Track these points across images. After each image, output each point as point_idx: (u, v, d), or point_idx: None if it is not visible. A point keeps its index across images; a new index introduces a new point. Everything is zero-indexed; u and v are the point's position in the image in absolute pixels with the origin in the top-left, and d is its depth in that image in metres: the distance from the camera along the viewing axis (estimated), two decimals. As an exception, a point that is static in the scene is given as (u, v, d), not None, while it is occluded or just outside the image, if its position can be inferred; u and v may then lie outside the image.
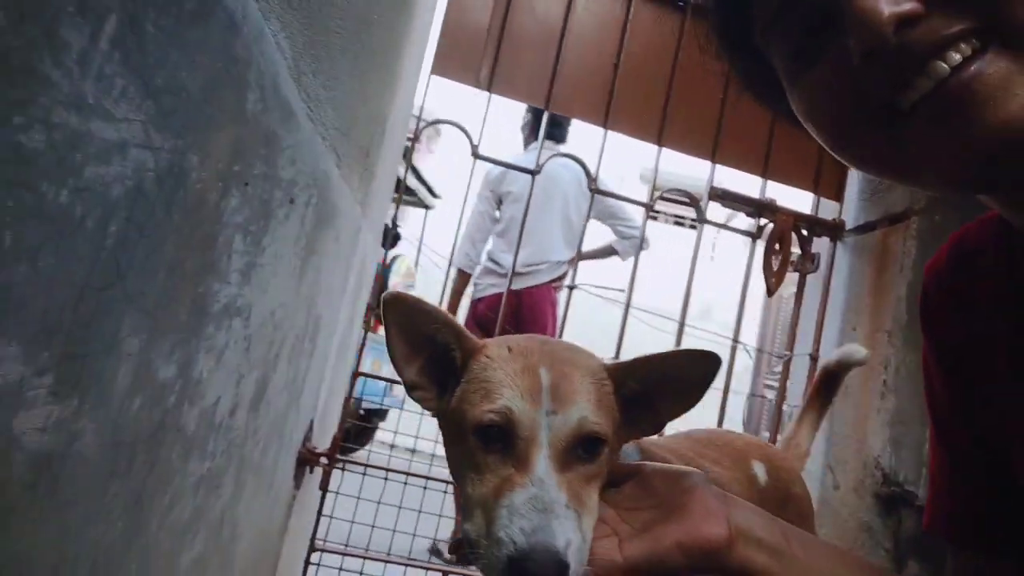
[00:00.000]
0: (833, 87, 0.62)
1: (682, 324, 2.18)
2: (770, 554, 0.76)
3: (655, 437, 1.00)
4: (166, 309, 0.82)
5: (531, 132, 3.98)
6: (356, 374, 2.08)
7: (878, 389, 1.96)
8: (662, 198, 2.50)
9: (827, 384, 1.62)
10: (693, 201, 2.26)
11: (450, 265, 2.18)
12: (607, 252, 4.11)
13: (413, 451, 3.12)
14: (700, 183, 2.41)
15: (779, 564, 0.76)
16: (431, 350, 0.83)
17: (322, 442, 2.09)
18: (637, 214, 3.88)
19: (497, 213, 4.03)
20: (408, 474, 2.09)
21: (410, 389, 0.86)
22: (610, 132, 2.25)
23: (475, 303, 3.89)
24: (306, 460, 1.94)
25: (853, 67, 0.58)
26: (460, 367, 0.82)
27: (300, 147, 1.23)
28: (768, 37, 0.70)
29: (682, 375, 0.84)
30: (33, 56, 0.52)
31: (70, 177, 0.58)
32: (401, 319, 0.81)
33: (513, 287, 3.69)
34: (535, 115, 3.87)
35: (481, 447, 0.76)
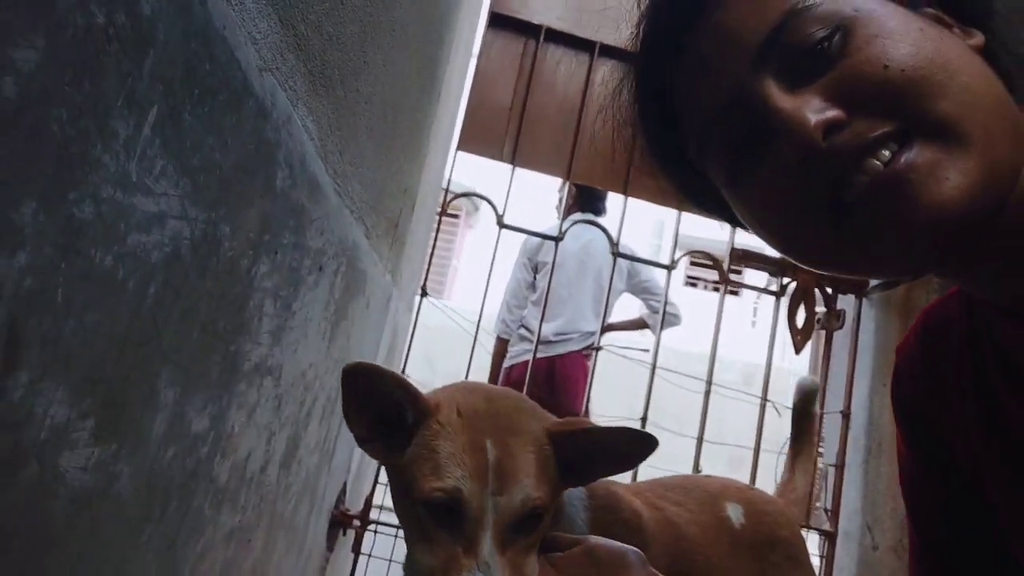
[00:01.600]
0: (776, 192, 0.65)
1: (709, 383, 2.20)
2: None
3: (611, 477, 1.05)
4: (199, 365, 0.91)
5: (572, 205, 4.07)
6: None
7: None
8: (692, 263, 2.54)
9: (798, 424, 1.67)
10: (715, 262, 2.31)
11: (477, 331, 2.24)
12: (639, 324, 4.19)
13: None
14: (724, 246, 2.46)
15: None
16: (383, 407, 0.87)
17: (355, 505, 2.14)
18: (671, 291, 3.93)
19: (534, 281, 4.11)
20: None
21: (360, 442, 0.90)
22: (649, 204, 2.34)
23: (508, 370, 3.94)
24: (339, 522, 1.99)
25: (792, 172, 0.62)
26: (412, 426, 0.86)
27: (328, 218, 1.33)
28: (703, 152, 0.73)
29: (619, 450, 0.90)
30: (87, 144, 0.62)
31: (115, 244, 0.67)
32: (357, 386, 0.86)
33: (546, 354, 3.76)
34: (578, 187, 3.96)
35: (430, 519, 0.80)
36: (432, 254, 2.42)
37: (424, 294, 2.20)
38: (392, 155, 1.78)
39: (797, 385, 1.64)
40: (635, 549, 0.86)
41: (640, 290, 3.89)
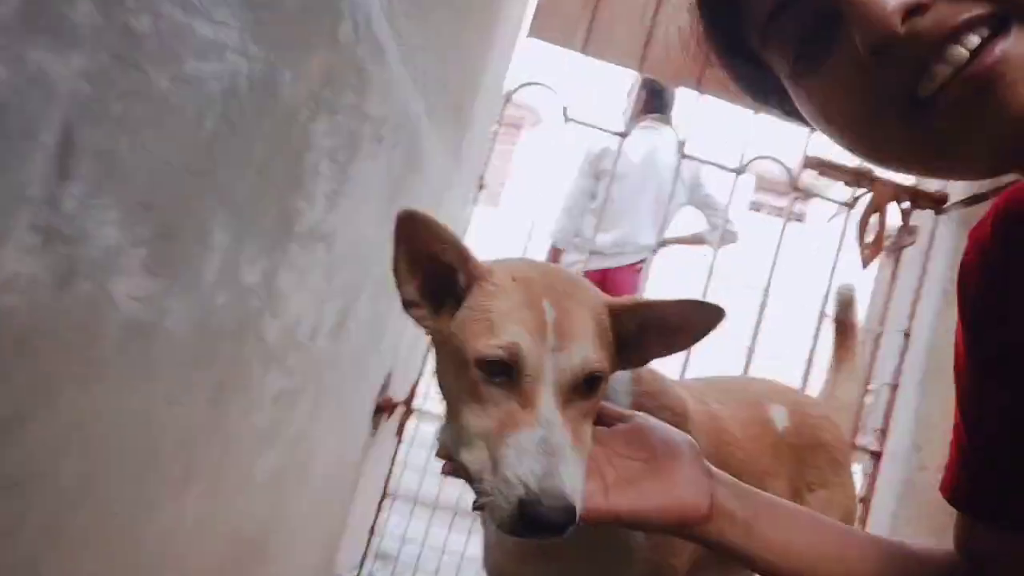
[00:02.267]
0: (844, 87, 0.59)
1: (766, 294, 2.13)
2: (743, 531, 0.77)
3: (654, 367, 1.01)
4: (254, 212, 0.88)
5: (640, 112, 3.90)
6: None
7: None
8: (758, 188, 2.42)
9: (839, 334, 1.63)
10: (785, 168, 2.19)
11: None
12: (697, 240, 4.04)
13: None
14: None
15: (746, 539, 0.77)
16: (434, 268, 0.81)
17: (400, 395, 2.17)
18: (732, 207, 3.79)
19: (596, 189, 4.00)
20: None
21: (407, 306, 0.84)
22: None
23: (559, 279, 3.90)
24: (383, 408, 2.02)
25: (863, 64, 0.55)
26: (463, 289, 0.80)
27: (391, 86, 1.28)
28: (765, 41, 0.66)
29: (682, 324, 0.84)
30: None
31: (172, 64, 0.64)
32: (410, 236, 0.79)
33: (601, 266, 3.70)
34: (648, 90, 3.79)
35: (484, 378, 0.74)
36: (491, 152, 2.35)
37: (482, 187, 2.15)
38: (461, 29, 1.70)
39: (837, 293, 1.59)
40: (688, 438, 0.83)
41: (702, 204, 3.76)
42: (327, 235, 1.17)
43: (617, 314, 0.83)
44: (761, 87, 0.73)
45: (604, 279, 3.67)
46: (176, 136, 0.67)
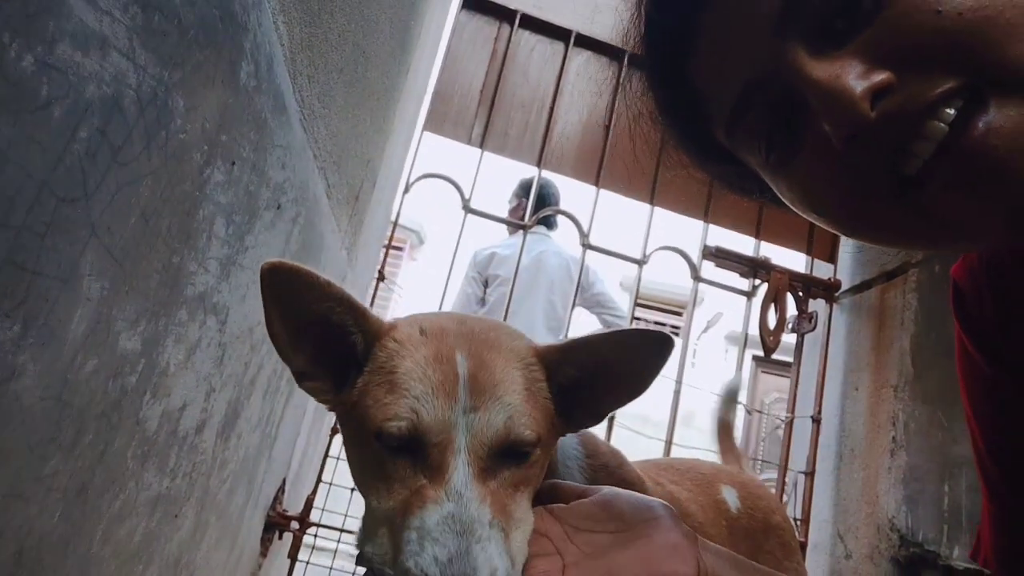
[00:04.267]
0: (824, 176, 0.57)
1: (679, 382, 2.09)
2: None
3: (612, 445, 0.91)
4: (135, 263, 0.74)
5: (521, 217, 3.97)
6: (336, 429, 1.94)
7: (887, 447, 1.87)
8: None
9: (722, 429, 1.63)
10: (686, 258, 2.22)
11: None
12: None
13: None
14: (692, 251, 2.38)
15: None
16: (324, 333, 0.68)
17: (294, 508, 1.93)
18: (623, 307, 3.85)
19: (484, 295, 3.98)
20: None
21: (299, 379, 0.71)
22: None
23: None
24: (276, 524, 1.78)
25: (840, 151, 0.53)
26: (362, 353, 0.69)
27: (291, 153, 1.18)
28: (733, 139, 0.65)
29: (628, 359, 0.72)
30: None
31: (39, 44, 0.51)
32: (285, 294, 0.65)
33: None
34: (528, 197, 3.86)
35: (386, 453, 0.63)
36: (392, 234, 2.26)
37: (381, 278, 2.04)
38: (359, 113, 1.64)
39: (722, 390, 1.56)
40: (662, 501, 0.72)
41: (593, 303, 3.79)
42: (219, 308, 1.02)
43: (550, 362, 0.70)
44: (741, 183, 0.71)
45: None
46: (38, 139, 0.53)
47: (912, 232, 0.56)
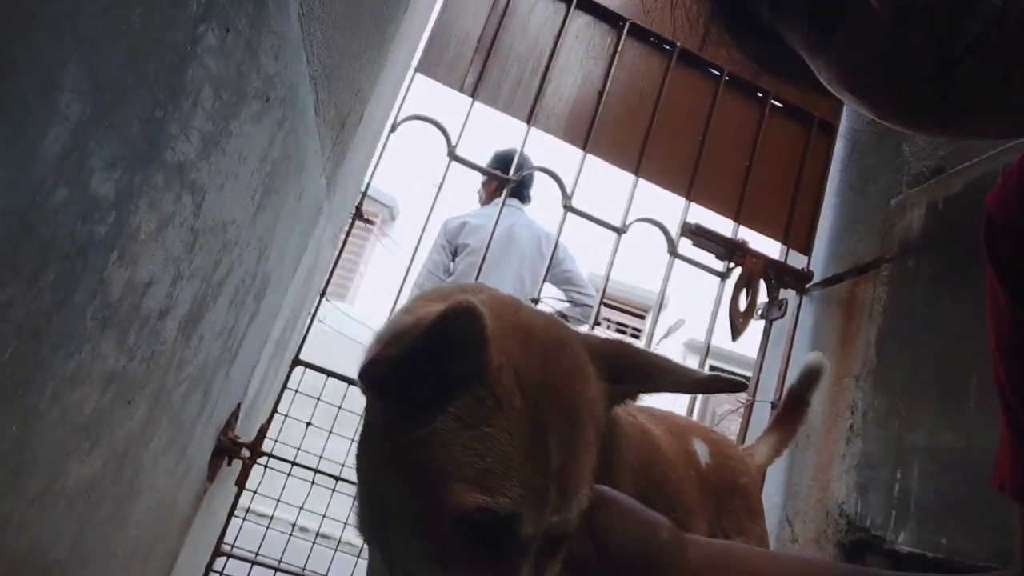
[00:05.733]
0: (866, 54, 0.55)
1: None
2: None
3: None
4: (118, 100, 0.69)
5: (495, 191, 3.95)
6: (296, 361, 1.89)
7: (843, 434, 1.89)
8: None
9: (792, 407, 1.55)
10: (664, 232, 2.22)
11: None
12: (560, 317, 4.05)
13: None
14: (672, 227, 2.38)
15: None
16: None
17: (246, 435, 1.88)
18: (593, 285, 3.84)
19: (452, 265, 3.95)
20: (339, 479, 1.88)
21: (372, 382, 0.63)
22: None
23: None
24: (226, 449, 1.73)
25: (884, 29, 0.51)
26: (456, 381, 0.60)
27: (286, 45, 1.14)
28: (776, 12, 0.63)
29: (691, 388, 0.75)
30: None
31: None
32: (453, 330, 0.58)
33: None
34: (502, 169, 3.85)
35: (459, 537, 0.58)
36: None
37: (359, 216, 2.00)
38: (356, 32, 1.60)
39: (807, 361, 1.50)
40: (665, 523, 0.72)
41: (561, 280, 3.78)
42: (196, 187, 0.98)
43: (613, 397, 0.68)
44: (780, 64, 0.68)
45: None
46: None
47: (941, 115, 0.54)
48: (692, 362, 2.34)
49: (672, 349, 9.79)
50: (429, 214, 2.06)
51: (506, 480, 0.56)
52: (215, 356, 1.39)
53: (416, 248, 2.17)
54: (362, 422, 0.71)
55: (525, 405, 0.59)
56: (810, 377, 1.45)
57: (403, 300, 2.59)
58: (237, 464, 1.80)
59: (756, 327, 2.33)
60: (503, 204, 2.36)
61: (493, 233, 2.27)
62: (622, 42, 2.34)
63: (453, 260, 3.92)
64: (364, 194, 2.06)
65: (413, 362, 0.59)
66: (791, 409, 1.48)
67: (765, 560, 0.80)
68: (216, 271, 1.20)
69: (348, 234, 2.06)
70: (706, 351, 2.28)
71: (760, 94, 2.49)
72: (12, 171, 0.57)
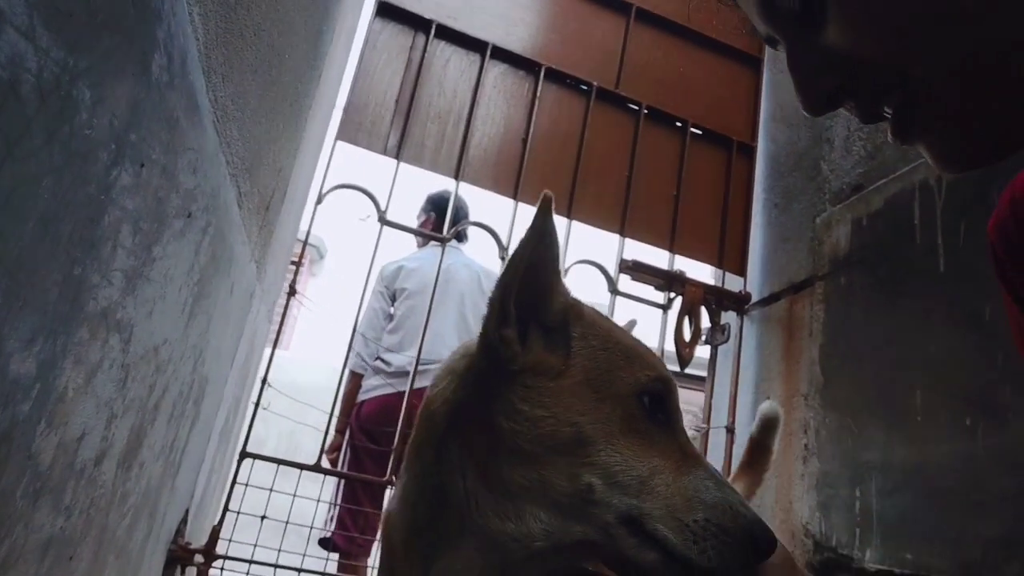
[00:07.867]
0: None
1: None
2: None
3: None
4: (31, 276, 0.64)
5: (432, 229, 3.90)
6: (244, 454, 1.81)
7: (799, 454, 1.92)
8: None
9: (755, 453, 1.56)
10: (604, 272, 2.23)
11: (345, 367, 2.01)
12: None
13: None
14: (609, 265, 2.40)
15: None
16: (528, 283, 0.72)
17: (197, 540, 1.79)
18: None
19: (391, 310, 3.89)
20: (300, 570, 1.80)
21: (500, 325, 0.71)
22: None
23: (359, 405, 3.63)
24: (178, 558, 1.64)
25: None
26: (554, 320, 0.73)
27: (203, 157, 1.09)
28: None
29: None
30: None
31: (-78, 12, 0.43)
32: (550, 232, 0.73)
33: (404, 388, 3.50)
34: (437, 212, 3.82)
35: (644, 413, 0.70)
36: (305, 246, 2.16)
37: (292, 292, 1.94)
38: (273, 117, 1.55)
39: (760, 412, 1.50)
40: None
41: None
42: (123, 325, 0.92)
43: None
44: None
45: (416, 401, 3.48)
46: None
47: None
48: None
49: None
50: (365, 284, 2.01)
51: (653, 358, 0.74)
52: (158, 476, 1.32)
53: (362, 295, 2.12)
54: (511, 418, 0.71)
55: (614, 324, 0.79)
56: (767, 426, 1.46)
57: (343, 344, 2.52)
58: (192, 571, 1.71)
59: (703, 352, 2.36)
60: (443, 252, 2.33)
61: (437, 276, 2.24)
62: (540, 87, 2.35)
63: (392, 304, 3.86)
64: (297, 271, 1.99)
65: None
66: (754, 457, 1.49)
67: None
68: (151, 395, 1.14)
69: (285, 313, 2.00)
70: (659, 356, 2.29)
71: (679, 123, 2.54)
72: (-80, 392, 0.52)
